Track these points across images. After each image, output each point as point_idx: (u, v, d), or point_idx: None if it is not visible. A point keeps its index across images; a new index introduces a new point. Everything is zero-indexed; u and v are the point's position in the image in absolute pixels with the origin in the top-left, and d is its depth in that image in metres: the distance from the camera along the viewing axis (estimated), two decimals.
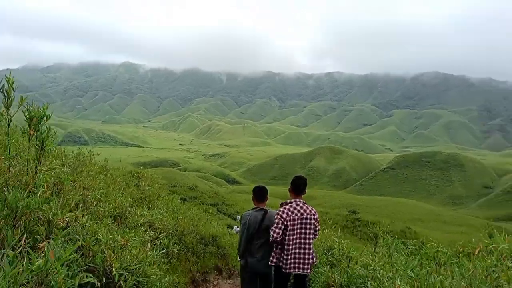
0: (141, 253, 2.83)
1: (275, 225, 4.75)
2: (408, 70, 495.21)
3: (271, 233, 4.80)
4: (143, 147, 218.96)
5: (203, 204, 42.12)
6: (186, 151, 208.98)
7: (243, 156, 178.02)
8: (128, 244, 2.84)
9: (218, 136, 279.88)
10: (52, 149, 3.98)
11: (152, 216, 5.24)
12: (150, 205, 6.76)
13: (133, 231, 3.69)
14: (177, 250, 5.33)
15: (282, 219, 4.72)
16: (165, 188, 43.80)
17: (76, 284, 2.06)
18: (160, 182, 9.94)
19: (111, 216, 4.14)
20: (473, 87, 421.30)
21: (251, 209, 5.29)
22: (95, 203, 3.95)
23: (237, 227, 28.89)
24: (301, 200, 4.90)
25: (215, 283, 7.98)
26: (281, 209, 4.85)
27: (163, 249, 4.19)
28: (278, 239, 4.79)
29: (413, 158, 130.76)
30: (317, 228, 4.99)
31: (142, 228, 4.33)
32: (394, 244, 5.31)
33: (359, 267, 4.35)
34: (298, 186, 4.92)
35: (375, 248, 5.33)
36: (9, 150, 3.08)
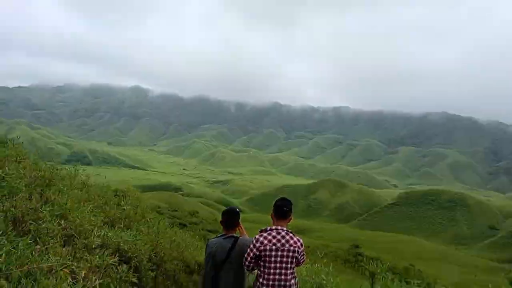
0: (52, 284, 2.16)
1: (246, 254, 4.05)
2: (415, 109, 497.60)
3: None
4: (147, 170, 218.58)
5: (203, 230, 41.45)
6: (189, 176, 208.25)
7: (246, 184, 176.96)
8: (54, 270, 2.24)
9: (223, 164, 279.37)
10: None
11: (120, 238, 4.54)
12: (129, 227, 6.07)
13: (76, 253, 3.05)
14: (139, 277, 4.58)
15: (255, 248, 3.98)
16: (164, 212, 42.98)
17: None
18: (147, 203, 9.15)
19: (63, 236, 3.56)
20: (480, 129, 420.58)
21: (218, 236, 4.51)
22: (47, 219, 3.33)
23: None
24: (284, 228, 4.10)
25: None
26: (257, 236, 4.11)
27: (117, 277, 3.51)
28: (249, 268, 4.14)
29: (418, 196, 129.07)
30: (301, 261, 4.18)
31: (101, 251, 3.63)
32: (394, 283, 4.55)
33: None
34: (280, 209, 4.17)
35: None
36: None
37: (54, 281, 2.22)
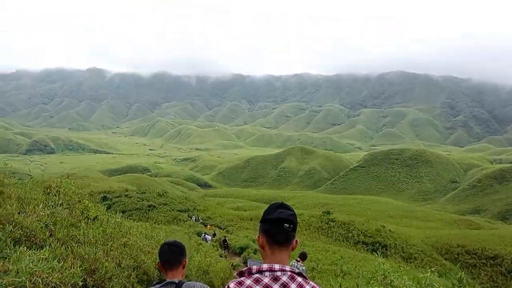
0: None
1: None
2: (373, 70, 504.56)
3: None
4: (113, 153, 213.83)
5: (172, 210, 40.53)
6: (156, 156, 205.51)
7: (214, 159, 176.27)
8: None
9: (189, 140, 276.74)
10: None
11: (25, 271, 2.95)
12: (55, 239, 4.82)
13: None
14: None
15: None
16: (132, 196, 41.58)
17: None
18: (84, 193, 7.73)
19: None
20: (436, 85, 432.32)
21: (154, 284, 2.91)
22: None
23: (206, 234, 27.08)
24: (287, 267, 2.05)
25: None
26: (232, 284, 2.05)
27: None
28: None
29: (381, 156, 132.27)
30: None
31: None
32: None
33: None
34: (277, 227, 2.09)
35: None
36: None
37: None
